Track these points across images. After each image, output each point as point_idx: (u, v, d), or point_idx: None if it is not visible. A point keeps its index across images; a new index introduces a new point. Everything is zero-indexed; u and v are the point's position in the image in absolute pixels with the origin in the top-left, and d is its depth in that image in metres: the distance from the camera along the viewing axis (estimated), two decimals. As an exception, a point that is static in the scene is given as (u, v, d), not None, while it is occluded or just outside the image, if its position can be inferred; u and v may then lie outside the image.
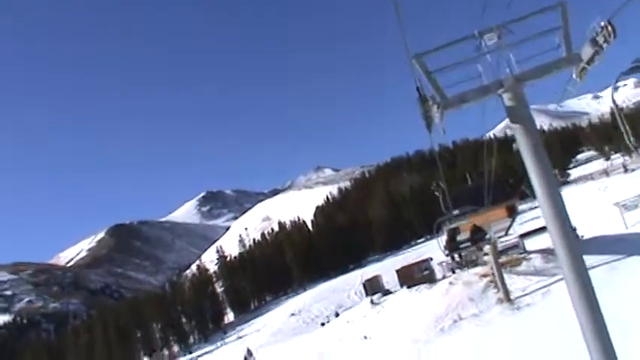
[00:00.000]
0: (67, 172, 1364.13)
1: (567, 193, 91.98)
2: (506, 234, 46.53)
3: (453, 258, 41.62)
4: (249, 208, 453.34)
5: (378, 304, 45.90)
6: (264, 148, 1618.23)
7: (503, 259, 41.55)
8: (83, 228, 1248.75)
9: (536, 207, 37.21)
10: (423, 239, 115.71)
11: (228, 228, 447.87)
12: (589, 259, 37.73)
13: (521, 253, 45.85)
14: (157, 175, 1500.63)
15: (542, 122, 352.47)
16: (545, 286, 34.93)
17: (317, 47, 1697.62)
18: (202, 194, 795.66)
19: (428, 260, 48.39)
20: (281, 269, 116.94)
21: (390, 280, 55.06)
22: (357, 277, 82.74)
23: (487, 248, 38.84)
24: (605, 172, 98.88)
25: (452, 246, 40.80)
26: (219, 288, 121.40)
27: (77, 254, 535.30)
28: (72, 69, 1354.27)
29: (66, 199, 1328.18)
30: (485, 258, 43.18)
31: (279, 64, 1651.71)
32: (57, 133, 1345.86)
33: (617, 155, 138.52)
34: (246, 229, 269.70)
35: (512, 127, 7.91)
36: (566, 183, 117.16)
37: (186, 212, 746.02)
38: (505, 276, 36.60)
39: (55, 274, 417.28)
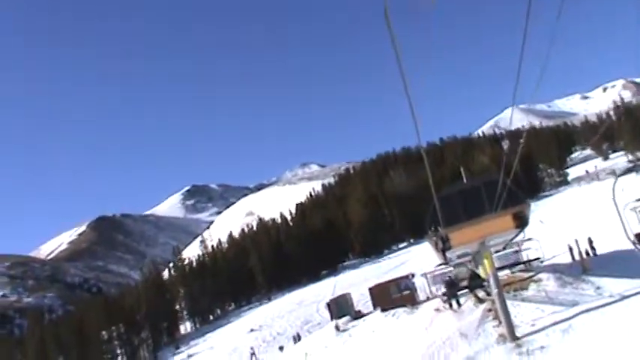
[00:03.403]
0: (52, 164, 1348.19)
1: (571, 194, 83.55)
2: (504, 248, 37.79)
3: (450, 305, 32.82)
4: (234, 203, 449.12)
5: (344, 331, 36.79)
6: (252, 143, 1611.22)
7: (504, 277, 32.55)
8: (66, 220, 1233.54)
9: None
10: (405, 244, 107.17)
11: (212, 222, 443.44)
12: (613, 284, 28.93)
13: (519, 269, 37.03)
14: (142, 168, 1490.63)
15: (531, 122, 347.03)
16: (563, 321, 25.90)
17: (306, 46, 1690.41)
18: (187, 188, 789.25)
19: (408, 277, 38.79)
20: (246, 275, 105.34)
21: (364, 293, 45.98)
22: (329, 286, 74.19)
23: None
24: (614, 172, 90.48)
25: (450, 293, 32.41)
26: (176, 294, 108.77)
27: (58, 247, 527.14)
28: (50, 59, 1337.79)
29: (49, 191, 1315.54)
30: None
31: (268, 62, 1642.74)
32: (40, 124, 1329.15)
33: (617, 154, 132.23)
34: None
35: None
36: (566, 183, 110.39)
37: (170, 206, 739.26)
38: (508, 303, 27.41)
39: (32, 267, 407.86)
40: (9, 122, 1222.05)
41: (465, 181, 33.94)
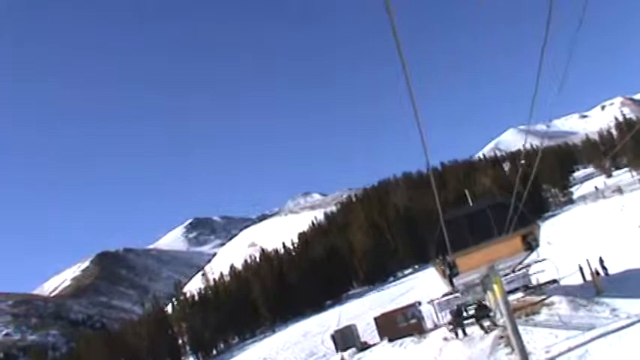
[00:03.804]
0: (53, 202, 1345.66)
1: (578, 213, 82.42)
2: (513, 271, 36.53)
3: (457, 334, 31.63)
4: (237, 235, 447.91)
5: (350, 364, 35.55)
6: (253, 175, 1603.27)
7: (514, 302, 31.25)
8: (68, 257, 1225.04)
9: None
10: (410, 270, 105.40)
11: (215, 255, 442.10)
12: (629, 306, 27.63)
13: (529, 292, 35.70)
14: (144, 202, 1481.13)
15: (531, 142, 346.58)
16: (579, 346, 24.66)
17: (302, 76, 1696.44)
18: (189, 221, 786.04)
19: (415, 305, 37.35)
20: (249, 307, 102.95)
21: (370, 322, 44.47)
22: (333, 316, 72.31)
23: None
24: (619, 190, 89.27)
25: (457, 322, 31.56)
26: (178, 328, 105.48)
27: (61, 283, 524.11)
28: (41, 89, 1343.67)
29: (52, 228, 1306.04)
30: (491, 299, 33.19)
31: (267, 91, 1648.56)
32: (38, 162, 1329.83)
33: (620, 171, 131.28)
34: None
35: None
36: (571, 202, 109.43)
37: (173, 239, 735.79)
38: (520, 329, 26.14)
39: (35, 304, 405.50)
40: (6, 160, 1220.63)
41: (470, 204, 32.90)
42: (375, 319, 39.51)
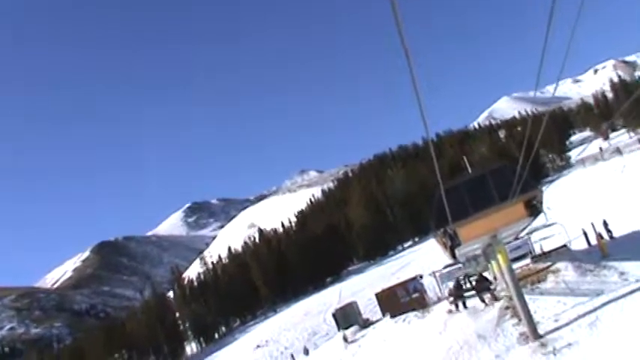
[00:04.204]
0: (51, 191, 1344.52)
1: (577, 176, 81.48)
2: (516, 238, 35.45)
3: (457, 306, 30.55)
4: (236, 216, 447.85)
5: (353, 342, 34.42)
6: (249, 155, 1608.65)
7: (517, 271, 30.15)
8: (69, 248, 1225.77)
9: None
10: (410, 243, 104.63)
11: (215, 237, 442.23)
12: (637, 268, 26.59)
13: (535, 260, 34.63)
14: (141, 189, 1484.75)
15: (526, 109, 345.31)
16: (588, 313, 23.68)
17: (296, 53, 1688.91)
18: (188, 205, 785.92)
19: (416, 279, 36.07)
20: (249, 289, 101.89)
21: (372, 298, 43.41)
22: (334, 293, 71.53)
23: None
24: (619, 151, 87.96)
25: (457, 295, 30.30)
26: (179, 314, 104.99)
27: (62, 275, 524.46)
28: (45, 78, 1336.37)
29: (51, 220, 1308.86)
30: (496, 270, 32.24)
31: (260, 71, 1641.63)
32: (36, 154, 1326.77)
33: (617, 133, 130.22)
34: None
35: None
36: (569, 166, 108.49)
37: (172, 225, 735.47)
38: (526, 298, 25.15)
39: (38, 297, 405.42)
40: (8, 153, 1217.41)
41: (469, 171, 31.68)
42: (377, 294, 38.29)
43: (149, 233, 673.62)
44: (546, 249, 35.23)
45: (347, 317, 39.57)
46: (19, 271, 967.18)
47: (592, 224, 33.96)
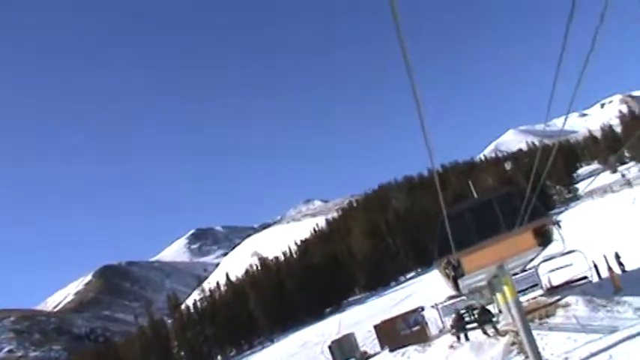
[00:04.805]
0: (53, 216, 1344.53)
1: (585, 208, 79.95)
2: (523, 270, 33.72)
3: (458, 338, 28.95)
4: (239, 244, 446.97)
5: (349, 376, 32.75)
6: (254, 184, 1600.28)
7: (524, 304, 28.41)
8: (71, 271, 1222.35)
9: None
10: (413, 274, 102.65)
11: (218, 264, 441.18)
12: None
13: (550, 292, 32.89)
14: (146, 214, 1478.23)
15: (533, 142, 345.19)
16: (601, 351, 22.01)
17: (300, 82, 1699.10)
18: (192, 232, 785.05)
19: (418, 311, 34.36)
20: (247, 318, 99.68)
21: (371, 330, 41.52)
22: (333, 324, 69.58)
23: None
24: (629, 183, 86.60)
25: (458, 326, 28.98)
26: (175, 341, 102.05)
27: (64, 298, 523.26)
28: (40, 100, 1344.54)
29: (55, 243, 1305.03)
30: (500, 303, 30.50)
31: (262, 100, 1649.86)
32: (39, 174, 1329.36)
33: (625, 166, 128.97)
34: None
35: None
36: (576, 198, 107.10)
37: (175, 251, 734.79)
38: (534, 333, 23.39)
39: (38, 320, 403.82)
40: (8, 174, 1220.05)
41: (475, 196, 30.09)
42: (375, 326, 36.52)
43: (153, 259, 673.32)
44: (559, 281, 33.47)
45: (344, 350, 37.77)
46: (20, 293, 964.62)
47: (604, 256, 31.98)
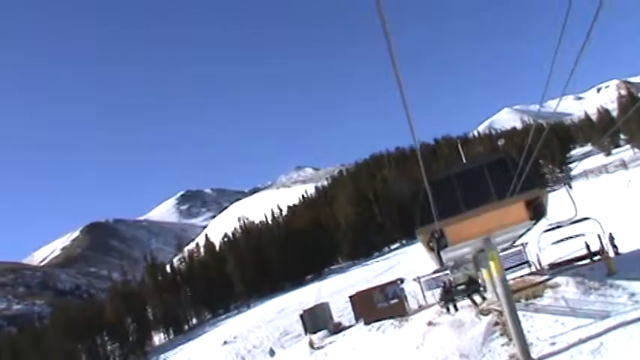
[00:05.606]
0: (45, 170, 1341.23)
1: (578, 189, 78.21)
2: (512, 245, 31.74)
3: (447, 310, 26.97)
4: (228, 207, 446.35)
5: (319, 348, 30.69)
6: (247, 147, 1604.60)
7: (511, 282, 26.42)
8: (59, 227, 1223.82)
9: None
10: (397, 244, 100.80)
11: (206, 227, 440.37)
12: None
13: (532, 273, 31.09)
14: (136, 173, 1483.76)
15: (526, 121, 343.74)
16: (592, 338, 20.11)
17: (299, 49, 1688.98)
18: (181, 193, 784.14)
19: (396, 283, 32.20)
20: (224, 282, 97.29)
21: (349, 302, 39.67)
22: (313, 292, 67.86)
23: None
24: (624, 164, 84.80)
25: (447, 298, 27.18)
26: (150, 302, 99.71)
27: (51, 253, 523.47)
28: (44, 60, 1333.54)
29: (44, 198, 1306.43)
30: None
31: (261, 65, 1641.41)
32: (31, 129, 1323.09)
33: (620, 149, 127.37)
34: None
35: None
36: (570, 178, 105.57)
37: (164, 211, 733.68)
38: (519, 314, 21.47)
39: (23, 274, 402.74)
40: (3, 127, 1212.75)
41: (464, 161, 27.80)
42: (351, 297, 34.28)
43: (141, 217, 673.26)
44: (562, 255, 31.48)
45: (316, 320, 35.66)
46: (6, 246, 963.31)
47: (598, 236, 29.62)
